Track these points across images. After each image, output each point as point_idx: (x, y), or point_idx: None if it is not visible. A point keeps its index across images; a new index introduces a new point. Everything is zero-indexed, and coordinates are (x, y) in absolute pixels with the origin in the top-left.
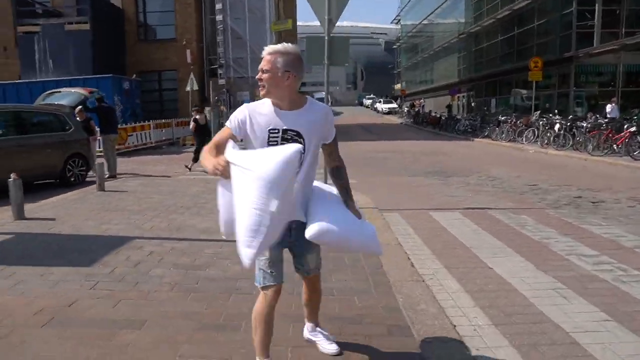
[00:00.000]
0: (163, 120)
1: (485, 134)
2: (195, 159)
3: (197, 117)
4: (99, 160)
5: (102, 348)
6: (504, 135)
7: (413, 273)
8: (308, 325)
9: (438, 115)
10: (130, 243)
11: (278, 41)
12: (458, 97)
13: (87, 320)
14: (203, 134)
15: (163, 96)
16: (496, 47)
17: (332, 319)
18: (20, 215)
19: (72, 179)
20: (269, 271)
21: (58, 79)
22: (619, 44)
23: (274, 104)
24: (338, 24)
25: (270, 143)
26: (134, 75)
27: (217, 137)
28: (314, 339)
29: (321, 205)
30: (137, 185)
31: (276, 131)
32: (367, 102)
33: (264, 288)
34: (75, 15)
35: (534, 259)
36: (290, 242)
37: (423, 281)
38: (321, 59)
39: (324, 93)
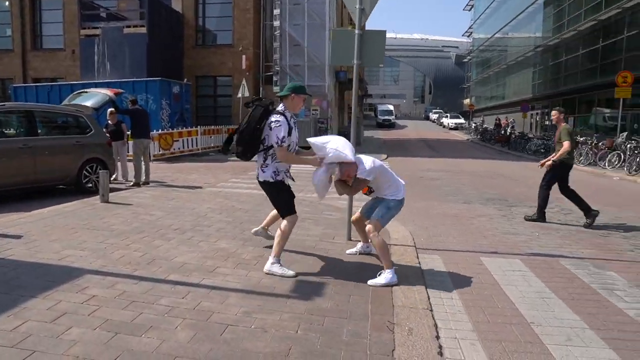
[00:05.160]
0: (212, 127)
1: None
2: None
3: None
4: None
5: None
6: (582, 158)
7: None
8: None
9: (508, 133)
10: (78, 279)
11: None
12: (531, 114)
13: None
14: None
15: (218, 102)
16: (576, 61)
17: None
18: None
19: (89, 185)
20: None
21: (89, 81)
22: None
23: None
24: (407, 36)
25: None
26: (185, 80)
27: None
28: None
29: None
30: (147, 197)
31: None
32: (434, 116)
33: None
34: (138, 19)
35: (630, 355)
36: None
37: None
38: (349, 58)
39: (388, 105)
